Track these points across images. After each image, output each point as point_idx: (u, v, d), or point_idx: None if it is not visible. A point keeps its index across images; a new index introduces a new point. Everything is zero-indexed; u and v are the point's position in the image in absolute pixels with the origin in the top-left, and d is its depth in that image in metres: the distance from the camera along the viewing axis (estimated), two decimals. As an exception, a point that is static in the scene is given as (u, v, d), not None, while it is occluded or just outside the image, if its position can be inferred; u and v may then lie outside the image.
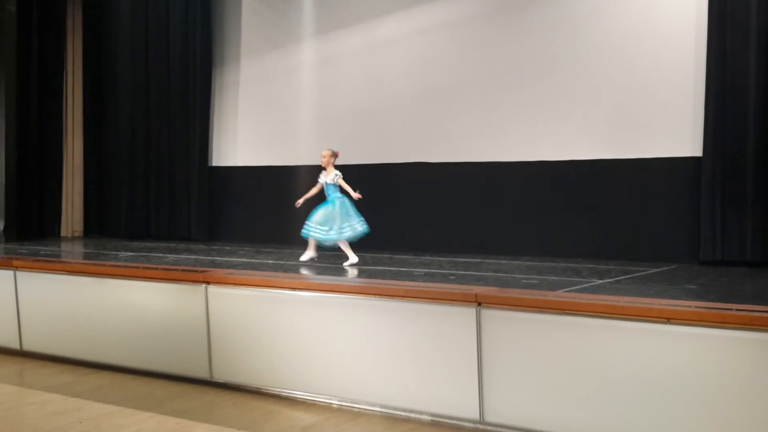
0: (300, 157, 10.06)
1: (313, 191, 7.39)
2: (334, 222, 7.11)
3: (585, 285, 5.87)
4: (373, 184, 9.56)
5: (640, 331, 4.38)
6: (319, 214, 7.18)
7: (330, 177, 7.23)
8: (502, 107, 8.75)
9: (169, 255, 8.29)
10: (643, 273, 6.73)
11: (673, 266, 7.27)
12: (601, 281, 6.16)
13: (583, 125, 8.28)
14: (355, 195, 7.07)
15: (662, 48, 7.86)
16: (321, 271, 6.88)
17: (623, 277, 6.47)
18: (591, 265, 7.27)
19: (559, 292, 5.27)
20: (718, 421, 4.17)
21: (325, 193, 7.28)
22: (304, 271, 6.93)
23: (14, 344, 7.11)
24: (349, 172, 9.66)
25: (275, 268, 7.15)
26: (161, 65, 11.16)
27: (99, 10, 11.83)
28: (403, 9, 9.41)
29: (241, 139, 10.72)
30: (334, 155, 7.32)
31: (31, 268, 7.10)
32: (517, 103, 8.65)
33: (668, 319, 4.32)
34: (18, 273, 7.11)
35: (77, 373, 6.45)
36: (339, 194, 7.22)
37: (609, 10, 8.22)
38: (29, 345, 7.05)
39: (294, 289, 5.68)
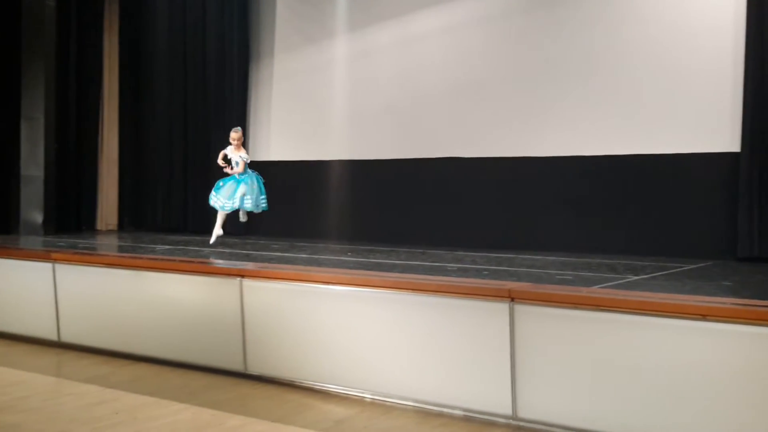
0: (333, 152, 10.10)
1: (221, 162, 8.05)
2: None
3: (620, 281, 5.82)
4: (406, 179, 9.59)
5: (675, 327, 4.34)
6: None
7: (244, 153, 7.95)
8: (536, 102, 8.69)
9: (204, 248, 8.37)
10: (678, 269, 6.65)
11: (710, 263, 7.18)
12: (636, 277, 6.11)
13: (619, 120, 8.20)
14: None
15: (700, 42, 7.76)
16: (354, 266, 6.90)
17: (659, 273, 6.41)
18: (626, 261, 7.20)
19: (594, 288, 5.23)
20: (755, 419, 4.11)
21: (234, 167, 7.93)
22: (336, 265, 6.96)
23: (52, 336, 7.24)
24: (382, 167, 9.73)
25: (309, 262, 7.19)
26: (198, 60, 11.26)
27: (137, 5, 11.96)
28: (436, 4, 9.39)
29: (275, 134, 10.78)
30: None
31: (69, 261, 7.21)
32: (552, 97, 8.60)
33: (704, 315, 4.27)
34: (56, 265, 7.23)
35: (114, 364, 6.54)
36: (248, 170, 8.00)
37: (646, 3, 8.13)
38: (67, 336, 7.16)
39: (328, 283, 5.71)
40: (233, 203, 7.86)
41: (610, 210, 8.19)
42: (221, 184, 7.97)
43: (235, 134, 7.95)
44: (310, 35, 10.45)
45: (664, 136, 7.93)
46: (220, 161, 7.98)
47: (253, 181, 7.93)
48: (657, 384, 4.38)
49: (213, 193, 7.97)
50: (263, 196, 8.00)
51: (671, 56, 7.91)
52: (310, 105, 10.42)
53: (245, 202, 7.85)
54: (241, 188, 7.84)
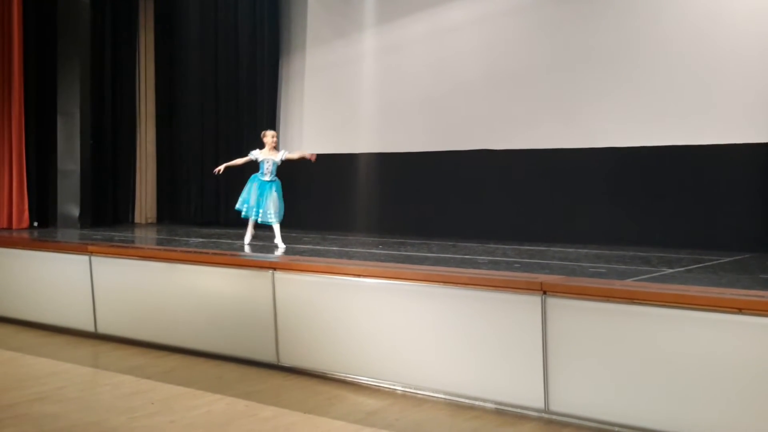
0: (364, 145, 10.11)
1: (240, 162, 7.93)
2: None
3: (654, 274, 5.76)
4: (437, 171, 9.57)
5: (711, 321, 4.29)
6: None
7: (279, 156, 7.77)
8: (570, 93, 8.62)
9: (237, 241, 8.43)
10: (714, 262, 6.57)
11: (746, 255, 7.07)
12: (671, 270, 6.04)
13: (655, 110, 8.10)
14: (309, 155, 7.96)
15: (737, 31, 7.63)
16: (385, 259, 6.91)
17: (694, 266, 6.33)
18: (661, 254, 7.12)
19: (628, 281, 5.19)
20: (793, 415, 4.06)
21: (265, 171, 7.73)
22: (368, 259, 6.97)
23: (89, 327, 7.35)
24: (413, 159, 9.72)
25: (340, 255, 7.21)
26: (230, 54, 11.33)
27: (170, 0, 12.05)
28: (468, -5, 9.34)
29: (307, 128, 10.81)
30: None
31: (105, 254, 7.31)
32: (586, 88, 8.52)
33: (740, 309, 4.21)
34: (93, 258, 7.33)
35: (150, 355, 6.63)
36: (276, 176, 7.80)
37: (682, -8, 8.02)
38: (103, 328, 7.27)
39: (359, 275, 5.72)
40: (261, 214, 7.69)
41: (645, 202, 8.10)
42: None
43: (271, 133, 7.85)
44: (341, 28, 10.46)
45: (701, 126, 7.82)
46: (240, 162, 7.84)
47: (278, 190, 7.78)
48: (691, 378, 4.34)
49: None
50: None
51: (709, 45, 7.80)
52: (342, 98, 10.44)
53: (269, 216, 7.67)
54: (271, 199, 7.67)
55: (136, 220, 11.92)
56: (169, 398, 5.33)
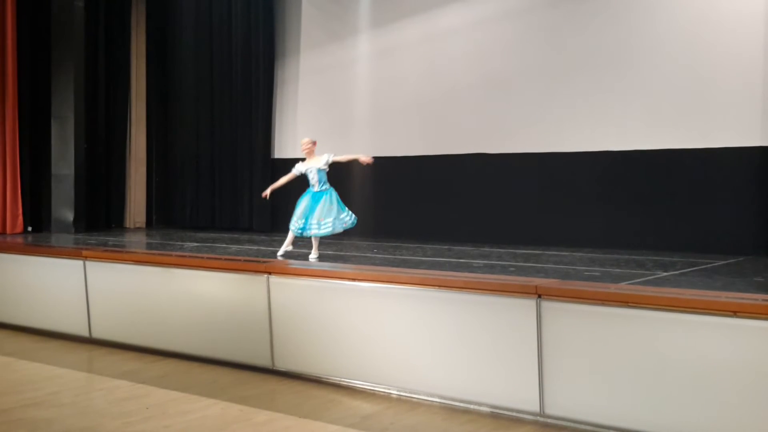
0: (359, 149, 10.05)
1: (285, 180, 7.09)
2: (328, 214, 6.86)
3: (649, 277, 5.77)
4: (432, 175, 9.57)
5: (706, 324, 4.30)
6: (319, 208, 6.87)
7: (322, 162, 6.91)
8: (563, 97, 8.64)
9: (232, 245, 8.42)
10: (709, 265, 6.58)
11: (741, 258, 7.09)
12: (665, 274, 6.05)
13: (648, 114, 8.12)
14: (364, 159, 6.91)
15: (730, 35, 7.66)
16: (380, 262, 6.91)
17: (688, 269, 6.35)
18: (655, 258, 7.14)
19: (622, 285, 5.19)
20: (787, 418, 4.07)
21: (312, 182, 6.92)
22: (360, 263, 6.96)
23: (83, 332, 7.33)
24: (408, 163, 9.72)
25: (335, 259, 7.20)
26: (224, 58, 11.33)
27: (163, 4, 12.05)
28: (462, -1, 9.36)
29: (302, 131, 10.79)
30: (313, 143, 7.06)
31: (99, 258, 7.29)
32: (580, 92, 8.53)
33: (735, 312, 4.22)
34: (87, 263, 7.31)
35: (144, 360, 6.62)
36: (327, 184, 6.94)
37: (675, -4, 8.04)
38: (98, 333, 7.25)
39: (354, 279, 5.72)
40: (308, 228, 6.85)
41: (639, 205, 8.11)
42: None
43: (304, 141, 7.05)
44: (336, 32, 10.47)
45: (695, 130, 7.84)
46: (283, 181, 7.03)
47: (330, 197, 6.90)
48: (686, 381, 4.34)
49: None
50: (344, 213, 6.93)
51: (700, 48, 7.82)
52: (336, 102, 10.44)
53: (323, 227, 6.82)
54: (317, 211, 6.82)
55: (125, 224, 11.89)
56: (163, 403, 5.32)
